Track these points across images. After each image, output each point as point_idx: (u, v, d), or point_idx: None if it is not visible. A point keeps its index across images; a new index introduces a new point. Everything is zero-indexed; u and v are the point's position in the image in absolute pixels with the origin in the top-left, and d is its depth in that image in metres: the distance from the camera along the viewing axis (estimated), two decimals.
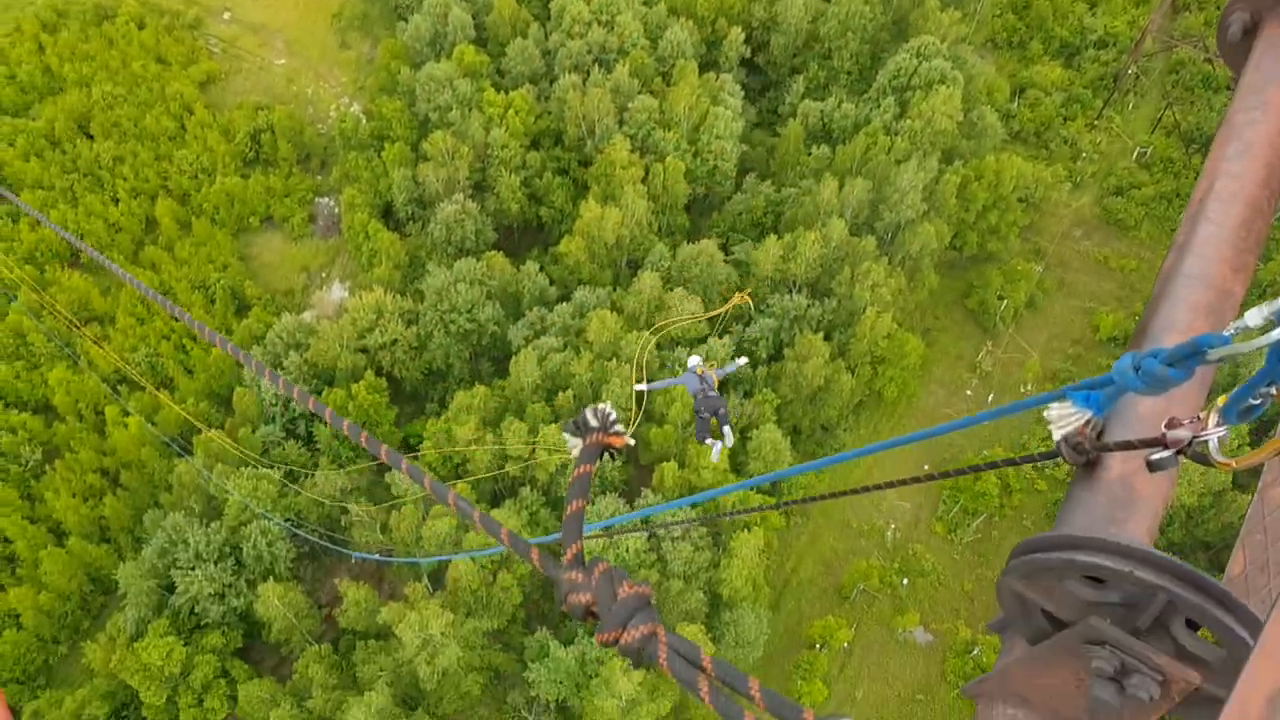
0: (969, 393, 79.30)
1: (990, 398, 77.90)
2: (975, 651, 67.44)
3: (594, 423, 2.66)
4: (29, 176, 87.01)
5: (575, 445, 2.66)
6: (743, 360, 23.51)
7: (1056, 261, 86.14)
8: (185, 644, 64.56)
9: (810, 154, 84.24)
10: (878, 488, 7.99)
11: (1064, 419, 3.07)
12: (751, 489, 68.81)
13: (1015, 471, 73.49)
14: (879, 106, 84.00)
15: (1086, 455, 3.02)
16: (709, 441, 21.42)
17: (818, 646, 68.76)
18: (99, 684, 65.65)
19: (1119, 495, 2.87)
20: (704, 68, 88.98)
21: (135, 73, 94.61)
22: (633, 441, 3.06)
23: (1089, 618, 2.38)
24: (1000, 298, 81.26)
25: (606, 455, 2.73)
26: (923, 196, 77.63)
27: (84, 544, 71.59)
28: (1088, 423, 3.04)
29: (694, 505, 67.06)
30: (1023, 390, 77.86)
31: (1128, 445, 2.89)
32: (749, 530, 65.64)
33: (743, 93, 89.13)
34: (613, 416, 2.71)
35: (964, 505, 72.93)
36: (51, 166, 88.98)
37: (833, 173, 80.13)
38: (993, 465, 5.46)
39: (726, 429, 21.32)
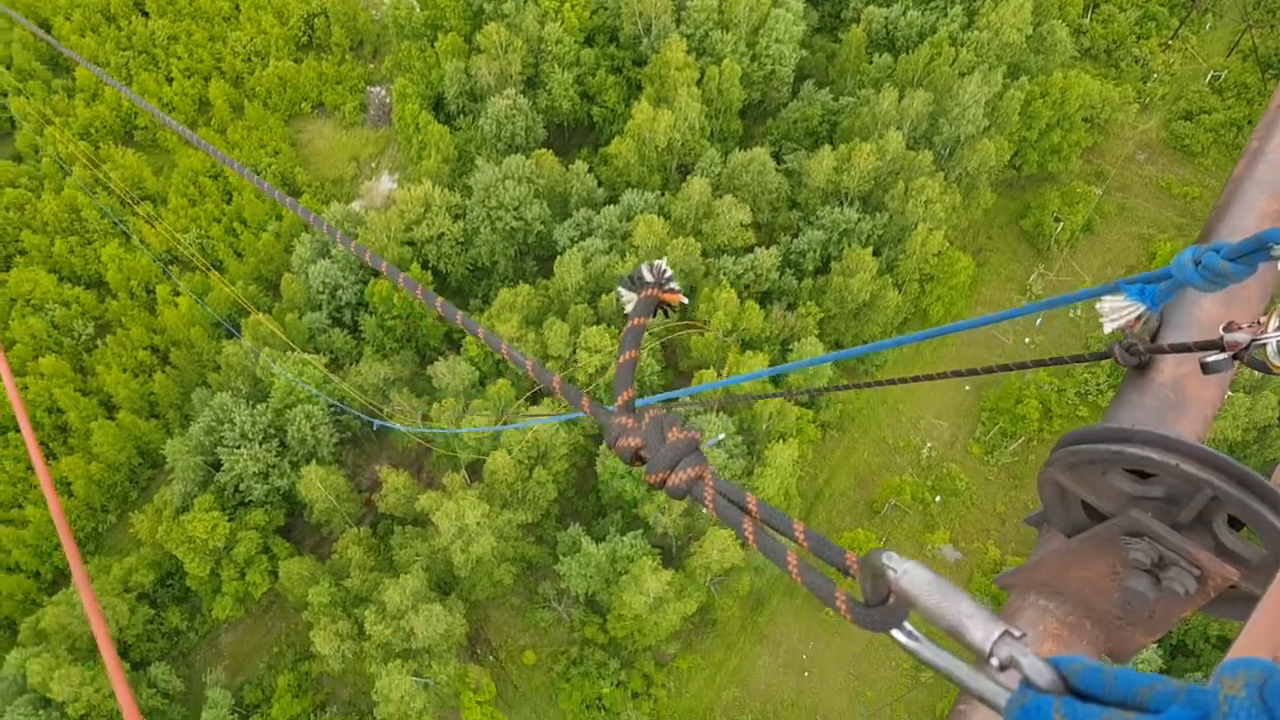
0: None
1: (1039, 321, 76.80)
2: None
3: (649, 278, 2.60)
4: (85, 52, 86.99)
5: (630, 299, 2.60)
6: (722, 436, 28.32)
7: (1117, 185, 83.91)
8: (229, 520, 66.61)
9: (871, 62, 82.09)
10: (929, 378, 7.91)
11: (1117, 312, 3.02)
12: (789, 400, 68.90)
13: (1058, 396, 72.93)
14: (945, 15, 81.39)
15: (1139, 357, 2.98)
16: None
17: None
18: (145, 553, 68.11)
19: (1169, 398, 2.85)
20: None
21: None
22: (686, 300, 2.98)
23: (1130, 510, 2.38)
24: (1056, 220, 79.50)
25: (660, 312, 2.65)
26: (985, 112, 75.62)
27: (133, 418, 73.55)
28: (1140, 317, 2.99)
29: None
30: (1071, 315, 76.60)
31: (1184, 348, 2.83)
32: (784, 441, 65.87)
33: None
34: (668, 273, 2.63)
35: (1003, 428, 72.62)
36: (107, 42, 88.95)
37: (893, 83, 78.12)
38: (1041, 363, 5.38)
39: None
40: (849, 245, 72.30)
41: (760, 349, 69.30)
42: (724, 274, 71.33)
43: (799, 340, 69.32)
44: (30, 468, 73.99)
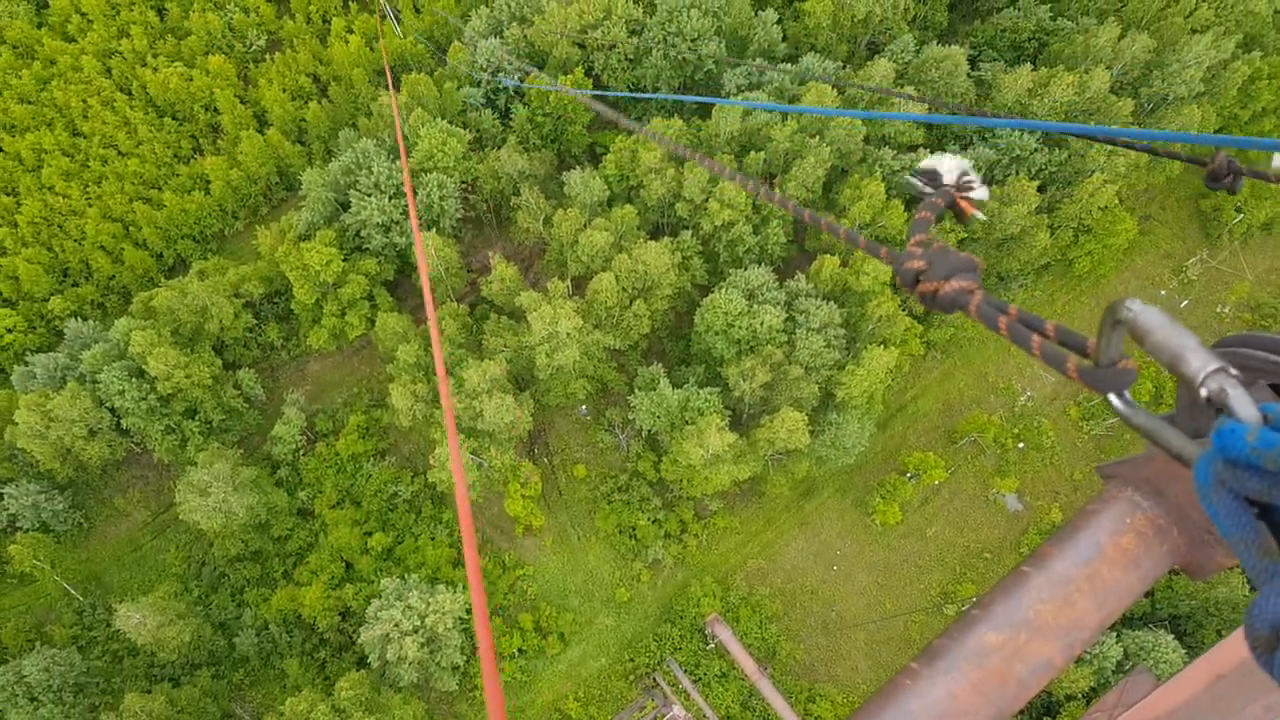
0: (1163, 293, 74.79)
1: (1184, 304, 73.39)
2: None
3: (948, 180, 2.60)
4: None
5: (915, 185, 2.63)
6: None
7: None
8: (344, 260, 68.94)
9: None
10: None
11: None
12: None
13: (1172, 384, 70.16)
14: None
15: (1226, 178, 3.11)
16: None
17: (908, 475, 69.48)
18: (261, 267, 71.25)
19: None
20: None
21: None
22: (983, 216, 3.10)
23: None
24: (1238, 210, 74.77)
25: (952, 216, 2.67)
26: (1202, 76, 70.48)
27: (281, 138, 75.74)
28: None
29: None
30: (1219, 310, 72.98)
31: None
32: (885, 347, 65.09)
33: None
34: (970, 178, 2.61)
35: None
36: None
37: (1119, 19, 73.02)
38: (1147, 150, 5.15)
39: None
40: (1016, 173, 69.32)
41: None
42: (880, 165, 69.25)
43: None
44: (179, 157, 77.23)
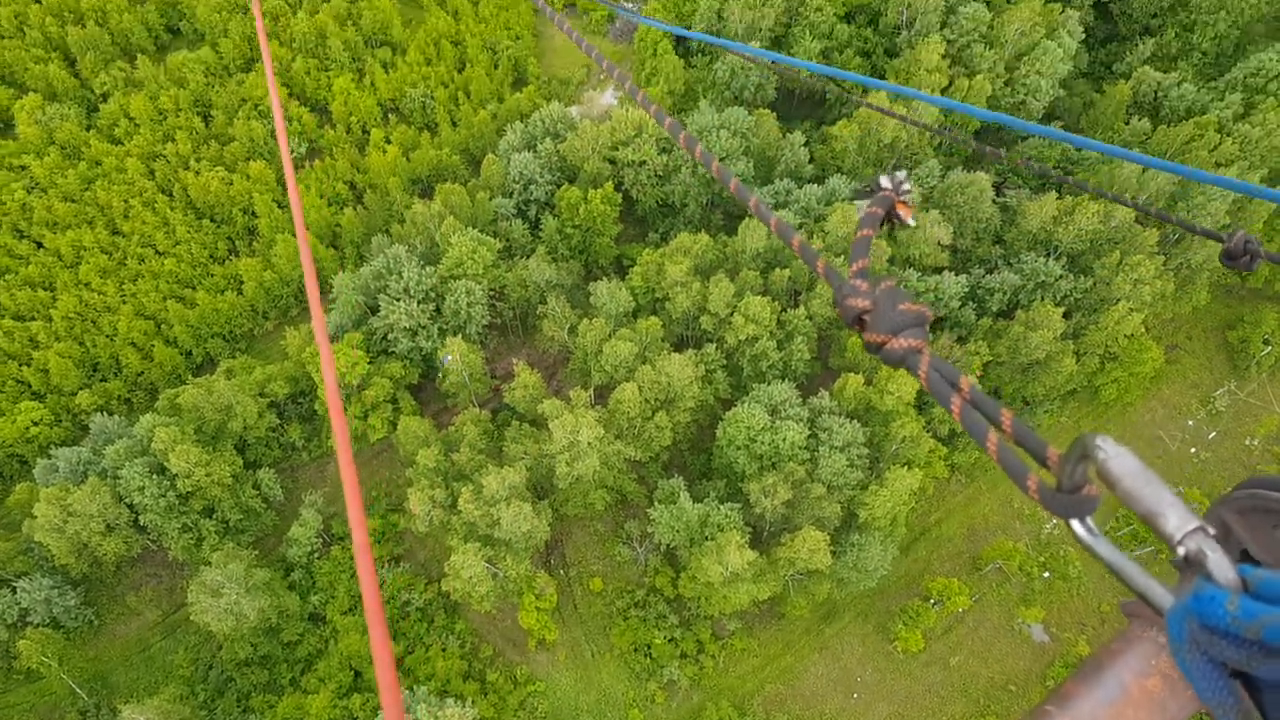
0: (1190, 423, 73.97)
1: (1211, 435, 72.52)
2: None
3: (887, 185, 2.63)
4: None
5: (861, 206, 2.71)
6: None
7: None
8: (370, 362, 69.49)
9: (1128, 124, 77.92)
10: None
11: None
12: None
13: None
14: (1222, 99, 76.37)
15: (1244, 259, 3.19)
16: None
17: (931, 601, 67.90)
18: (288, 367, 71.87)
19: None
20: None
21: None
22: (914, 223, 3.43)
23: None
24: (1266, 342, 74.40)
25: (887, 223, 2.69)
26: (1228, 209, 71.05)
27: (316, 242, 77.20)
28: None
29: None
30: (1247, 443, 72.02)
31: None
32: (910, 468, 64.39)
33: (1083, 34, 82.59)
34: (906, 185, 2.64)
35: (1135, 530, 69.18)
36: None
37: (1144, 150, 74.02)
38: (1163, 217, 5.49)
39: None
40: (1041, 299, 69.52)
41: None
42: (905, 286, 69.53)
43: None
44: (215, 257, 78.73)
